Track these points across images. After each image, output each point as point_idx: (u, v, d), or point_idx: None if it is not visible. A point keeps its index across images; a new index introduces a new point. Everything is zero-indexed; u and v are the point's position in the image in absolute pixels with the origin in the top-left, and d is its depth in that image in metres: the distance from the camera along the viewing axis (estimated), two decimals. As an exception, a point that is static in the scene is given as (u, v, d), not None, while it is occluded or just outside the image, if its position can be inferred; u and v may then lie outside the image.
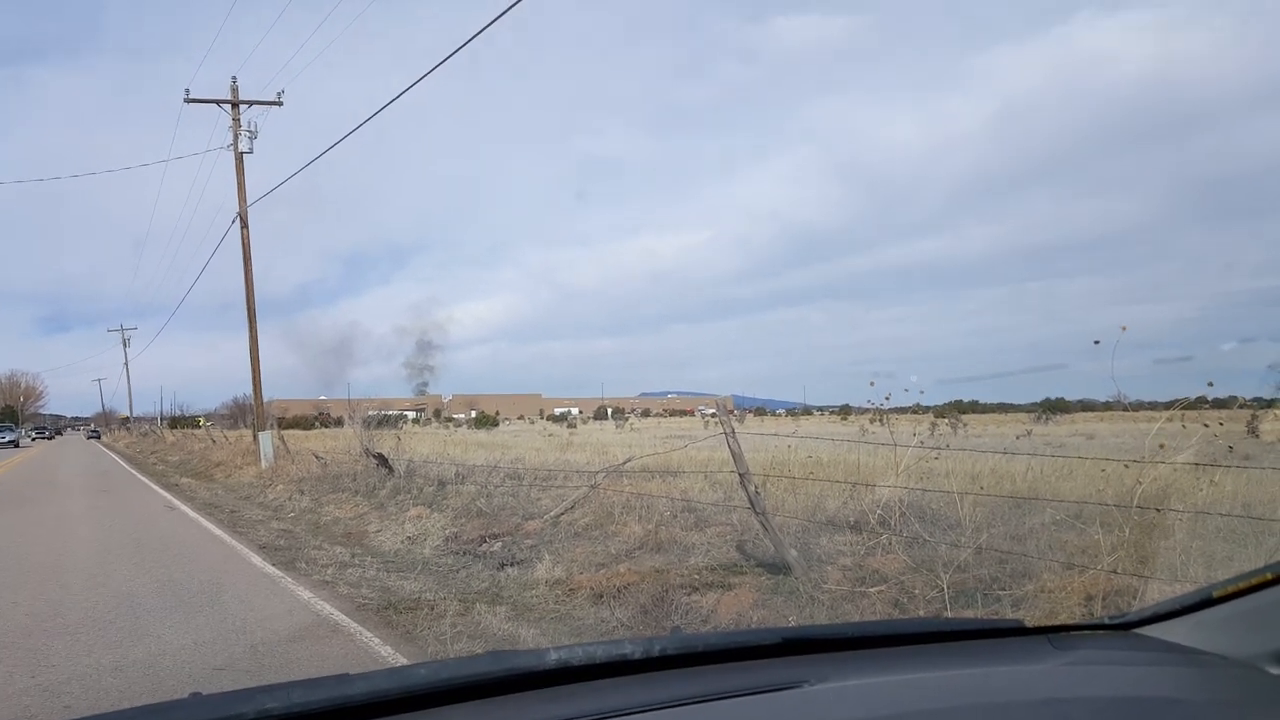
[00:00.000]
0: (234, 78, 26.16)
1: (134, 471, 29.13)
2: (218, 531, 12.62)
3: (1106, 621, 2.04)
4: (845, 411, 73.51)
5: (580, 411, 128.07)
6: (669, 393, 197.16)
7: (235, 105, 25.89)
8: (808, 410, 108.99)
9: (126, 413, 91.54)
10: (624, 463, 12.09)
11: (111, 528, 13.24)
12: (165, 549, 10.93)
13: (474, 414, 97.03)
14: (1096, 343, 6.01)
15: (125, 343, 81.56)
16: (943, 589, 5.92)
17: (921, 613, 5.76)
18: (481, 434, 47.27)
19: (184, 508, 16.37)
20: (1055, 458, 9.20)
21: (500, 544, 9.45)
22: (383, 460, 15.44)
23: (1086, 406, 56.18)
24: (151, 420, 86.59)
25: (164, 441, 49.46)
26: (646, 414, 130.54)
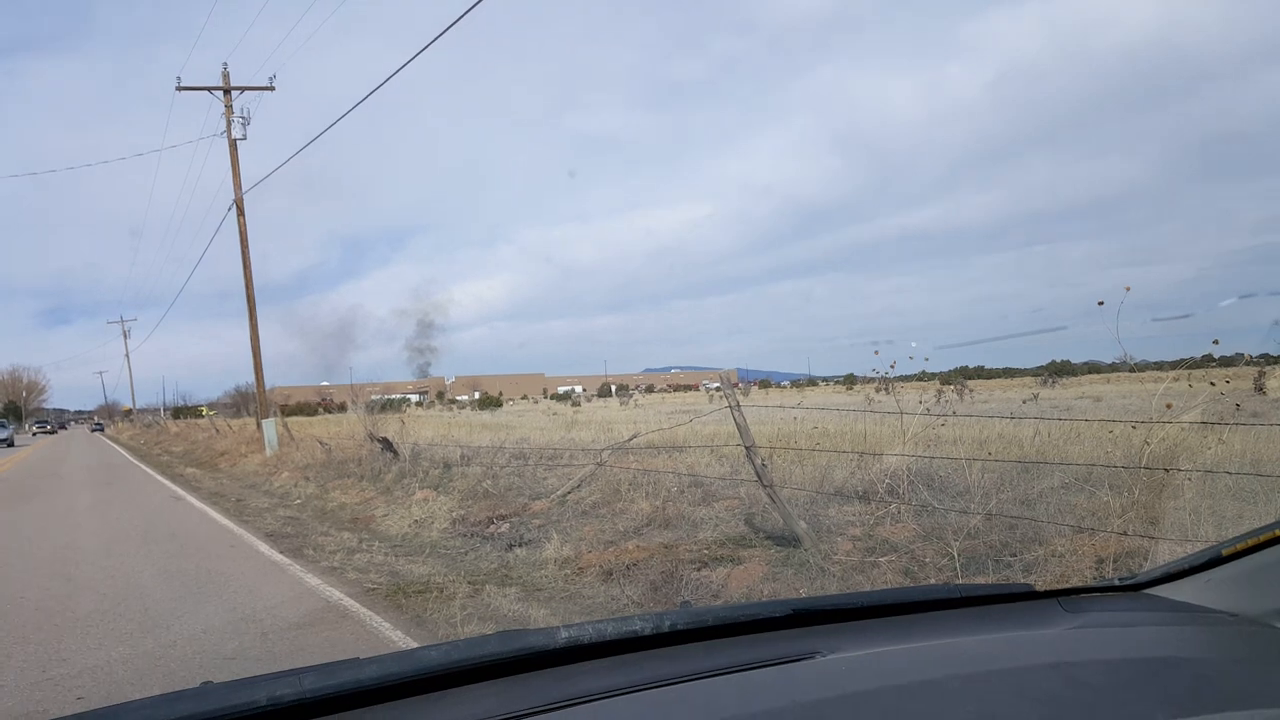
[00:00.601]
0: (225, 64, 26.13)
1: (138, 463, 29.21)
2: (224, 520, 12.64)
3: (1116, 583, 2.06)
4: (850, 381, 73.58)
5: (584, 389, 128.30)
6: (673, 368, 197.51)
7: (227, 92, 25.79)
8: (813, 381, 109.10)
9: (129, 405, 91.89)
10: (629, 439, 12.08)
11: (118, 519, 13.27)
12: (172, 539, 10.95)
13: (477, 395, 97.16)
14: (1100, 304, 5.96)
15: (126, 334, 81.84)
16: (953, 556, 5.90)
17: (932, 580, 5.74)
18: (485, 415, 47.36)
19: (190, 498, 16.41)
20: (1062, 421, 9.17)
21: (508, 525, 9.45)
22: (387, 444, 15.44)
23: (1092, 369, 56.19)
24: (154, 411, 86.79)
25: (168, 432, 49.64)
26: (651, 390, 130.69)
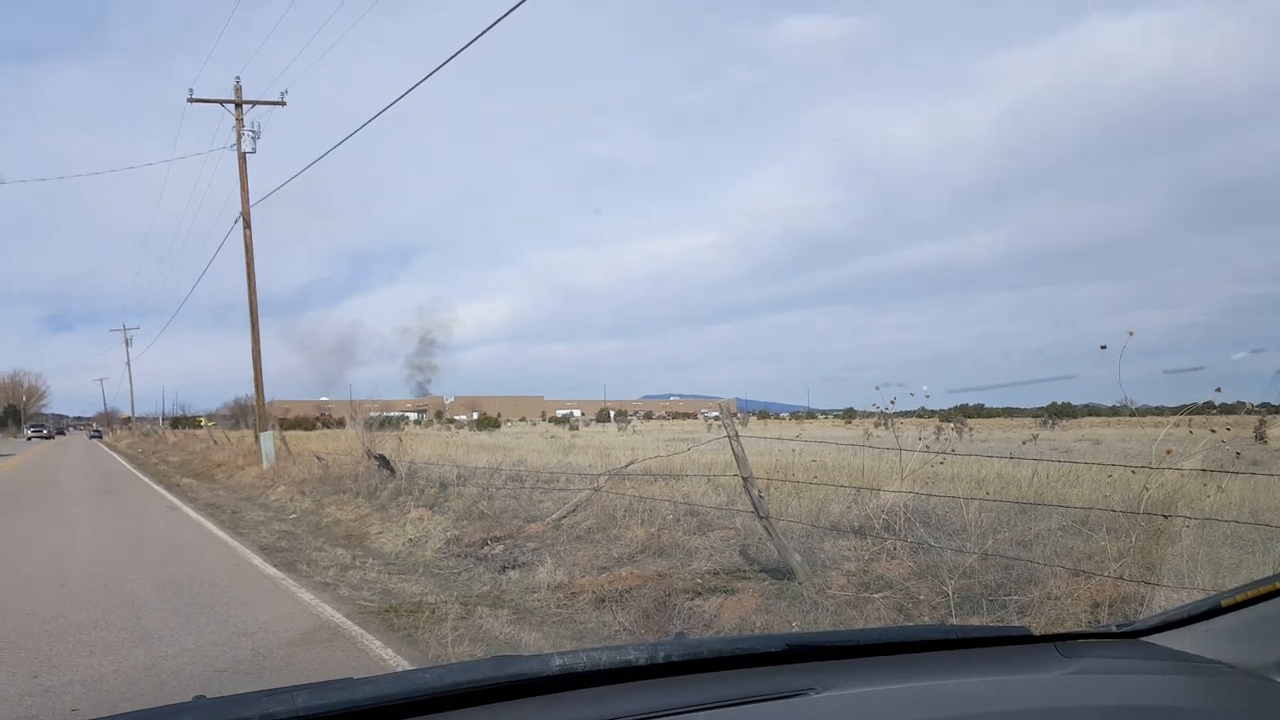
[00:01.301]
0: (237, 78, 26.35)
1: (136, 471, 29.13)
2: (219, 533, 12.60)
3: (1114, 629, 2.04)
4: (850, 415, 73.47)
5: (582, 413, 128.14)
6: (671, 395, 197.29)
7: (238, 105, 25.95)
8: (812, 414, 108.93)
9: (128, 412, 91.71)
10: (626, 465, 12.06)
11: (113, 529, 13.23)
12: (167, 550, 10.91)
13: (476, 415, 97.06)
14: (1103, 348, 5.97)
15: (127, 342, 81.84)
16: (948, 595, 5.88)
17: (926, 619, 5.72)
18: (483, 435, 47.26)
19: (185, 508, 16.36)
20: (1062, 463, 9.15)
21: (502, 547, 9.42)
22: (384, 462, 15.41)
23: (1093, 411, 56.04)
24: (153, 420, 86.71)
25: (166, 442, 49.50)
26: (649, 416, 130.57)
